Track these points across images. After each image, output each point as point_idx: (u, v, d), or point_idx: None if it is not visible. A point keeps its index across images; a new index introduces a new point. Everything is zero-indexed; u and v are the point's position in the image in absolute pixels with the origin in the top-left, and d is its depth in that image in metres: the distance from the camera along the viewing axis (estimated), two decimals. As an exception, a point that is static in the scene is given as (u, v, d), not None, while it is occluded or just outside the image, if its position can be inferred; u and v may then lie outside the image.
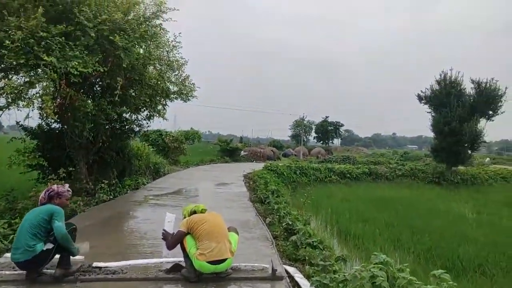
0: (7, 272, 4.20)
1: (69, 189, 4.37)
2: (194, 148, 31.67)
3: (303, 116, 64.50)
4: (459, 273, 7.19)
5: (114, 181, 11.10)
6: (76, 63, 7.29)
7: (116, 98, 9.40)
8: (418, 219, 11.81)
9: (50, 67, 6.98)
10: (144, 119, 12.40)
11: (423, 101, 27.71)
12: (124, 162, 12.42)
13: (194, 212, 4.37)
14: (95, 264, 4.46)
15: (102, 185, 10.03)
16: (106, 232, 6.57)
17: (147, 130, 15.46)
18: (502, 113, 25.57)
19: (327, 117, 73.29)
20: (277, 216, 7.97)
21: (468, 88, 26.10)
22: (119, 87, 9.10)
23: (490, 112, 25.76)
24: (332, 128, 72.54)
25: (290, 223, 6.94)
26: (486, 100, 25.28)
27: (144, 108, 11.96)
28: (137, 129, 12.61)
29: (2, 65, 7.73)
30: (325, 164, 26.42)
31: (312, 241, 5.90)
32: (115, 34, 8.12)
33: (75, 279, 4.04)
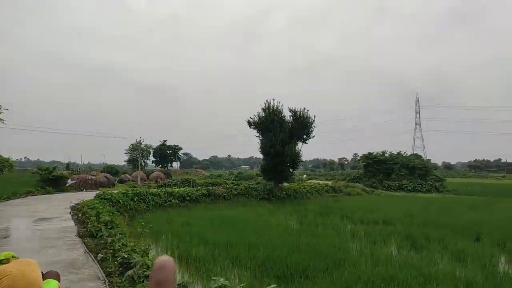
0: None
1: None
2: (4, 178, 26.20)
3: (140, 140, 61.99)
4: (289, 280, 7.98)
5: None
6: None
7: None
8: (254, 235, 12.65)
9: None
10: None
11: (252, 126, 30.57)
12: None
13: None
14: None
15: None
16: None
17: None
18: (313, 137, 30.60)
19: (165, 140, 72.59)
20: (111, 250, 7.19)
21: (287, 115, 30.29)
22: None
23: (305, 136, 30.44)
24: (170, 151, 72.09)
25: (126, 256, 6.35)
26: (301, 126, 29.77)
27: None
28: None
29: None
30: (165, 189, 25.86)
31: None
32: None
33: None
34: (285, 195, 27.98)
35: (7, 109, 10.75)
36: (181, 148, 75.42)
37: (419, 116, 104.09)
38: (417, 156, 65.91)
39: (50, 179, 27.56)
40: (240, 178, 47.53)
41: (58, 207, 16.40)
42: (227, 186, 28.25)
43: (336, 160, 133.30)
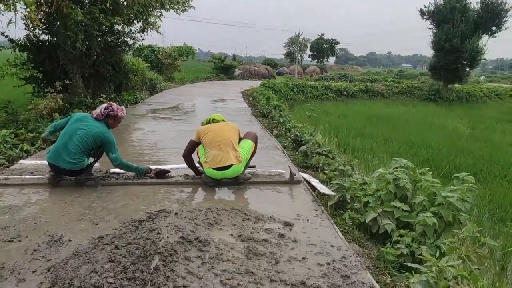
0: (27, 177, 4.20)
1: (124, 114, 4.28)
2: (187, 65, 30.73)
3: (299, 33, 61.65)
4: (457, 182, 7.52)
5: (112, 95, 10.85)
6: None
7: (107, 5, 8.70)
8: (415, 134, 12.01)
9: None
10: (138, 32, 11.72)
11: (425, 16, 26.62)
12: (120, 76, 12.00)
13: (209, 122, 4.38)
14: (112, 170, 4.47)
15: (101, 99, 9.79)
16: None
17: (141, 44, 14.80)
18: (506, 29, 24.86)
19: (323, 34, 70.36)
20: (284, 129, 8.00)
21: (474, 2, 24.99)
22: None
23: (494, 28, 25.03)
24: (327, 46, 70.07)
25: (298, 134, 6.98)
26: (491, 16, 24.36)
27: (137, 20, 11.21)
28: (131, 42, 11.94)
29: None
30: (322, 82, 26.12)
31: (322, 151, 5.98)
32: None
33: (96, 183, 4.06)
34: (455, 97, 24.82)
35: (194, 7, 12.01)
36: (338, 43, 72.38)
37: None
38: None
39: (222, 67, 31.10)
40: (400, 77, 43.57)
41: (231, 91, 18.62)
42: (387, 83, 26.54)
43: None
